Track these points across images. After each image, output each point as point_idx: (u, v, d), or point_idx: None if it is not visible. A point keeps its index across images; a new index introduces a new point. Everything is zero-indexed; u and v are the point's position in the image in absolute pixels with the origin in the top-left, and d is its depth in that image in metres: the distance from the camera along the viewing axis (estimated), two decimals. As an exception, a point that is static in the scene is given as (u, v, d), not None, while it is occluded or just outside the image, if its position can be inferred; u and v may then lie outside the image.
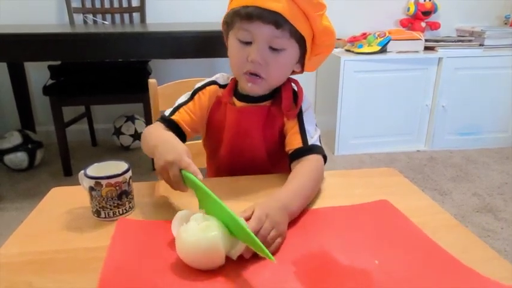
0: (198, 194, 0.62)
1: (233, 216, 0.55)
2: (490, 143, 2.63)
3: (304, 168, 0.76)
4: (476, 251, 0.59)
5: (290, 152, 0.82)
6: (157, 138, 0.74)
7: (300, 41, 0.77)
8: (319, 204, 0.73)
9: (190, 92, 0.89)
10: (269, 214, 0.60)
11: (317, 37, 0.79)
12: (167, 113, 0.86)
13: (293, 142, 0.82)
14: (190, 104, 0.87)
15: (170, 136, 0.75)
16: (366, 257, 0.56)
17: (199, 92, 0.88)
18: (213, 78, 0.90)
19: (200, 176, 0.63)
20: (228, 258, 0.55)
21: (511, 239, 1.66)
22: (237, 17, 0.76)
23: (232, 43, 0.80)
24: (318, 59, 0.84)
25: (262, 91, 0.83)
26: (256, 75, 0.78)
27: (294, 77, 0.88)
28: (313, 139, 0.82)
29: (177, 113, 0.86)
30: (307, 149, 0.80)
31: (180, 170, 0.63)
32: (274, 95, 0.86)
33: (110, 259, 0.57)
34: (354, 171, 0.88)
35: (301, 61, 0.83)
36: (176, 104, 0.87)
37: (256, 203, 0.63)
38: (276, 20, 0.72)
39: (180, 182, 0.64)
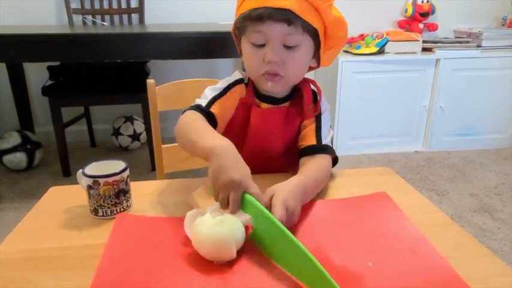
0: (257, 223, 0.59)
1: (305, 252, 0.50)
2: (488, 143, 2.64)
3: (318, 164, 0.78)
4: (468, 249, 0.60)
5: (302, 147, 0.83)
6: (211, 140, 0.66)
7: (313, 34, 0.78)
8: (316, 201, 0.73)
9: (222, 86, 0.86)
10: (289, 207, 0.61)
11: (329, 29, 0.79)
12: (203, 103, 0.82)
13: (307, 139, 0.84)
14: (223, 98, 0.84)
15: (231, 146, 0.66)
16: (360, 258, 0.57)
17: (232, 89, 0.86)
18: (241, 76, 0.88)
19: (263, 202, 0.60)
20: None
21: (508, 239, 1.66)
22: (247, 20, 0.77)
23: (245, 48, 0.81)
24: (332, 53, 0.85)
25: (282, 89, 0.84)
26: (275, 74, 0.78)
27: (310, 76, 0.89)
28: (326, 140, 0.84)
29: (213, 106, 0.82)
30: (320, 148, 0.82)
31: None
32: (293, 95, 0.86)
33: (107, 252, 0.58)
34: (351, 171, 0.89)
35: (316, 56, 0.83)
36: (210, 97, 0.84)
37: (277, 189, 0.64)
38: (287, 17, 0.73)
39: (238, 205, 0.60)
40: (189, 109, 0.81)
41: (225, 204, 0.60)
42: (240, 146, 0.88)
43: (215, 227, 0.55)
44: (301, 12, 0.73)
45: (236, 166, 0.62)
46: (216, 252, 0.55)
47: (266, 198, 0.62)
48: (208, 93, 0.85)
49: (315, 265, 0.49)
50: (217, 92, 0.85)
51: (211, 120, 0.79)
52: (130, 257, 0.57)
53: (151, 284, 0.52)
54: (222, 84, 0.87)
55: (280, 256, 0.55)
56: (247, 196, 0.59)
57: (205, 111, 0.80)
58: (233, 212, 0.59)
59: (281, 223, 0.56)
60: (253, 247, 0.59)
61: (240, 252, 0.57)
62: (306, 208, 0.70)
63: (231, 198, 0.59)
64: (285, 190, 0.63)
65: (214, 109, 0.82)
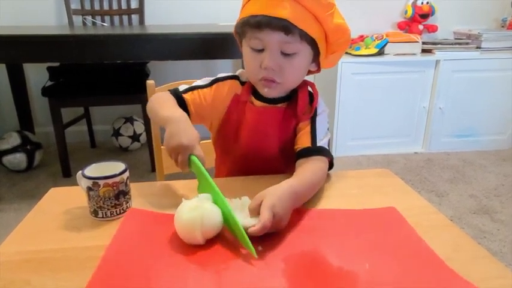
0: (200, 180, 0.69)
1: (228, 207, 0.61)
2: (487, 145, 2.64)
3: (312, 166, 0.78)
4: (467, 250, 0.60)
5: (298, 150, 0.83)
6: (170, 112, 0.76)
7: (312, 42, 0.78)
8: (315, 203, 0.74)
9: (211, 79, 0.89)
10: (276, 213, 0.61)
11: (330, 36, 0.80)
12: (181, 88, 0.87)
13: (302, 141, 0.84)
14: (206, 89, 0.87)
15: (185, 117, 0.75)
16: (357, 260, 0.57)
17: (220, 82, 0.88)
18: (236, 73, 0.90)
19: (205, 164, 0.68)
20: (216, 249, 0.60)
21: (507, 240, 1.67)
22: (246, 26, 0.78)
23: (245, 51, 0.82)
24: (335, 57, 0.86)
25: (279, 94, 0.85)
26: (271, 80, 0.79)
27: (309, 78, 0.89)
28: (322, 141, 0.83)
29: (190, 93, 0.86)
30: (314, 150, 0.82)
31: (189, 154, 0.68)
32: (291, 96, 0.87)
33: (114, 244, 0.60)
34: (350, 172, 0.89)
35: (316, 60, 0.84)
36: (193, 85, 0.88)
37: (266, 194, 0.64)
38: (284, 26, 0.73)
39: (186, 165, 0.69)
40: (167, 91, 0.87)
41: (176, 164, 0.70)
42: (235, 143, 0.89)
43: (187, 212, 0.60)
44: (298, 21, 0.74)
45: (185, 132, 0.70)
46: (185, 235, 0.60)
47: (255, 204, 0.63)
48: (196, 82, 0.89)
49: (235, 221, 0.59)
50: (203, 83, 0.89)
51: (181, 104, 0.83)
52: (133, 250, 0.59)
53: (149, 276, 0.53)
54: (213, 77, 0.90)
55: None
56: (193, 157, 0.68)
57: (177, 95, 0.85)
58: (182, 169, 0.70)
59: (230, 206, 0.62)
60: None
61: (228, 245, 0.60)
62: (312, 214, 0.70)
63: (179, 159, 0.69)
64: (274, 195, 0.63)
65: (189, 95, 0.86)
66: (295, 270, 0.55)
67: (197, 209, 0.60)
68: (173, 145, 0.68)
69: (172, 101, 0.83)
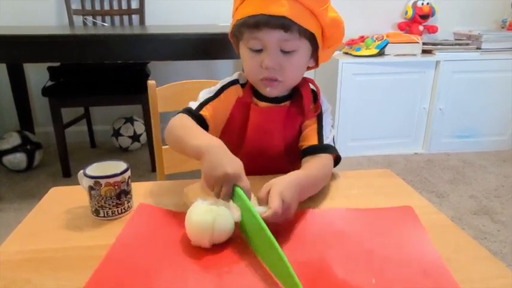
0: (244, 214, 0.61)
1: (278, 249, 0.53)
2: (487, 146, 2.64)
3: (318, 163, 0.79)
4: (468, 251, 0.60)
5: (304, 147, 0.84)
6: (204, 140, 0.70)
7: (310, 38, 0.78)
8: (316, 204, 0.74)
9: (216, 88, 0.88)
10: (285, 199, 0.61)
11: (326, 30, 0.80)
12: (193, 106, 0.84)
13: (309, 139, 0.84)
14: (216, 100, 0.86)
15: (223, 145, 0.68)
16: (364, 273, 0.54)
17: (226, 90, 0.88)
18: (235, 77, 0.90)
19: (251, 197, 0.63)
20: (222, 252, 0.59)
21: (508, 241, 1.67)
22: (244, 27, 0.77)
23: (244, 53, 0.82)
24: (331, 50, 0.86)
25: (281, 93, 0.85)
26: (273, 79, 0.79)
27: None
28: (328, 139, 0.84)
29: (204, 109, 0.84)
30: (321, 147, 0.82)
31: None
32: (293, 95, 0.87)
33: (119, 239, 0.61)
34: (351, 172, 0.89)
35: (314, 56, 0.84)
36: (202, 100, 0.86)
37: (274, 182, 0.64)
38: (283, 23, 0.73)
39: (230, 197, 0.63)
40: (179, 112, 0.83)
41: (216, 196, 0.63)
42: (240, 145, 0.89)
43: (199, 214, 0.59)
44: (296, 18, 0.74)
45: (229, 162, 0.64)
46: (193, 236, 0.59)
47: (263, 193, 0.63)
48: (202, 95, 0.87)
49: (284, 262, 0.51)
50: (211, 95, 0.86)
51: (202, 122, 0.81)
52: (138, 247, 0.60)
53: (150, 274, 0.54)
54: (216, 86, 0.88)
55: (259, 247, 0.58)
56: (238, 189, 0.62)
57: (195, 115, 0.82)
58: (223, 199, 0.62)
59: (270, 216, 0.58)
60: (247, 246, 0.60)
61: (236, 249, 0.59)
62: (323, 214, 0.69)
63: (223, 191, 0.62)
64: (281, 184, 0.64)
65: (205, 111, 0.84)
66: (298, 280, 0.53)
67: (210, 212, 0.59)
68: (218, 175, 0.62)
69: (196, 126, 0.78)
